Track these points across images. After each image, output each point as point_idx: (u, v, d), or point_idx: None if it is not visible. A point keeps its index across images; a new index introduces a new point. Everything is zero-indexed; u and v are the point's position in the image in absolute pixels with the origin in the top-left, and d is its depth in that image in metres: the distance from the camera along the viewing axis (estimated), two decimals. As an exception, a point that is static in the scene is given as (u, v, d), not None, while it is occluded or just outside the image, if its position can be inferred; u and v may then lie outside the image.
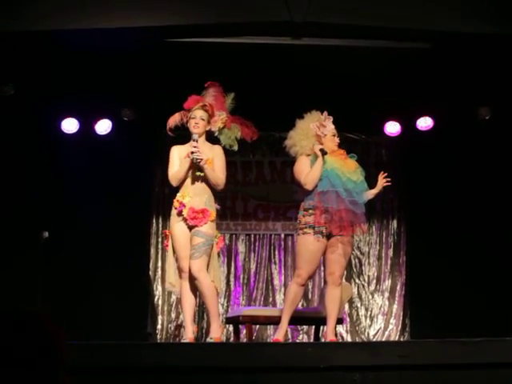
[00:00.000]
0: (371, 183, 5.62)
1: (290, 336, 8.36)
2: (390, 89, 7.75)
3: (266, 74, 7.50)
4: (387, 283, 8.80)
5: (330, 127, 5.55)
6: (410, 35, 6.28)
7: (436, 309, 8.05)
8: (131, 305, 8.08)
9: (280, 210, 8.86)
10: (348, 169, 5.49)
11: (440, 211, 8.32)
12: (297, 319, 6.09)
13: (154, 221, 8.75)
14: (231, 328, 7.52)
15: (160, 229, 8.62)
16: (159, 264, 8.59)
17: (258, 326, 8.19)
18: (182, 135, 5.62)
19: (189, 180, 5.37)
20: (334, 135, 5.56)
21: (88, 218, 8.00)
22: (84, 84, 7.51)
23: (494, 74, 7.30)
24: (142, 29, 5.95)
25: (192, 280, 5.27)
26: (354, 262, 8.75)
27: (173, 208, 5.41)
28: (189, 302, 5.37)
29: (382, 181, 5.64)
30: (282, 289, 8.64)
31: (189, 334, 5.33)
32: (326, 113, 5.58)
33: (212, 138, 5.56)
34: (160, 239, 8.54)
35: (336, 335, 5.94)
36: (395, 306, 8.73)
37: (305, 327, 8.52)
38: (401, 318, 8.68)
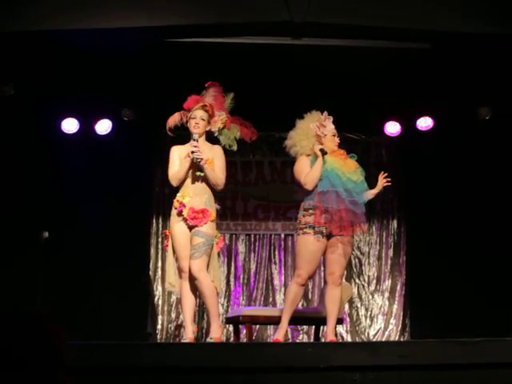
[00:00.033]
0: (371, 183, 5.62)
1: (290, 336, 8.36)
2: (389, 89, 7.75)
3: (265, 74, 7.50)
4: (387, 283, 8.80)
5: (330, 127, 5.55)
6: (410, 35, 6.29)
7: (436, 309, 8.05)
8: (131, 305, 8.08)
9: (280, 210, 8.86)
10: (348, 169, 5.48)
11: (440, 211, 8.32)
12: (297, 319, 6.09)
13: (154, 221, 8.75)
14: (231, 328, 7.52)
15: (160, 229, 8.62)
16: (159, 264, 8.59)
17: (258, 326, 8.19)
18: (182, 135, 5.62)
19: (189, 180, 5.37)
20: (334, 135, 5.56)
21: (88, 218, 8.00)
22: (84, 84, 7.51)
23: (494, 74, 7.30)
24: (142, 29, 5.95)
25: (192, 280, 5.27)
26: (354, 262, 8.75)
27: (173, 208, 5.41)
28: (189, 302, 5.37)
29: (382, 181, 5.64)
30: (282, 289, 8.64)
31: (189, 334, 5.33)
32: (325, 113, 5.58)
33: (211, 138, 5.56)
34: (160, 239, 8.54)
35: (336, 335, 5.94)
36: (395, 306, 8.73)
37: (305, 327, 8.52)
38: (401, 318, 8.68)
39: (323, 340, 5.97)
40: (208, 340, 5.37)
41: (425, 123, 8.49)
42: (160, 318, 8.57)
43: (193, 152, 5.28)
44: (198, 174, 5.35)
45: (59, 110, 8.19)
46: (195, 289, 5.32)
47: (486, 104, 8.13)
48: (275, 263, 8.84)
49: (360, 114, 8.09)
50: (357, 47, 6.76)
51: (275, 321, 5.89)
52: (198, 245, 5.23)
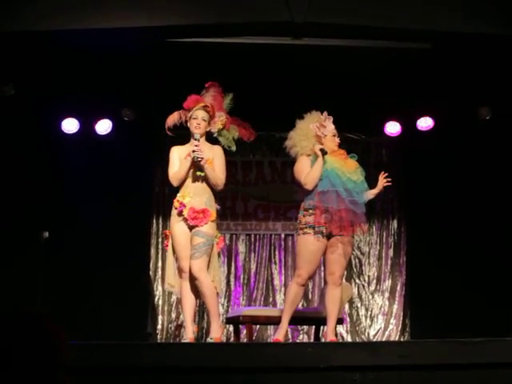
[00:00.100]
0: (371, 183, 5.62)
1: (290, 336, 8.36)
2: (390, 89, 7.75)
3: (266, 74, 7.50)
4: (387, 283, 8.80)
5: (330, 127, 5.55)
6: (410, 35, 6.29)
7: (436, 309, 8.05)
8: (131, 305, 8.08)
9: (280, 210, 8.86)
10: (348, 169, 5.48)
11: (440, 211, 8.32)
12: (297, 319, 6.09)
13: (154, 221, 8.75)
14: (231, 328, 7.52)
15: (160, 229, 8.62)
16: (159, 264, 8.59)
17: (258, 326, 8.19)
18: (181, 135, 5.62)
19: (189, 180, 5.37)
20: (334, 135, 5.56)
21: (88, 218, 8.00)
22: (84, 84, 7.51)
23: (494, 74, 7.30)
24: (142, 29, 5.95)
25: (192, 280, 5.27)
26: (354, 262, 8.75)
27: (173, 208, 5.41)
28: (189, 302, 5.37)
29: (382, 181, 5.63)
30: (283, 289, 8.64)
31: (189, 334, 5.33)
32: (325, 113, 5.57)
33: (211, 139, 5.56)
34: (160, 239, 8.54)
35: (336, 335, 5.94)
36: (395, 306, 8.73)
37: (305, 327, 8.52)
38: (401, 318, 8.68)
39: (323, 340, 5.97)
40: (208, 340, 5.37)
41: (425, 123, 8.48)
42: (160, 318, 8.57)
43: (194, 151, 5.28)
44: (199, 173, 5.35)
45: (59, 110, 8.19)
46: (195, 289, 5.32)
47: (486, 104, 8.13)
48: (275, 263, 8.84)
49: (360, 113, 8.09)
50: (357, 47, 6.76)
51: (275, 321, 5.89)
52: (199, 245, 5.23)
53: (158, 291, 8.60)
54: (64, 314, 5.52)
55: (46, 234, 6.82)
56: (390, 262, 8.84)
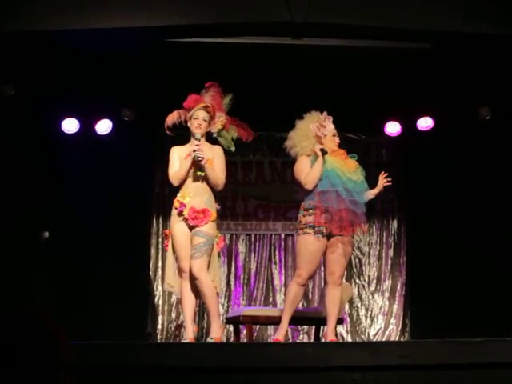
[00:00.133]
0: (371, 183, 5.62)
1: (290, 336, 8.36)
2: (390, 89, 7.75)
3: (266, 74, 7.50)
4: (387, 283, 8.80)
5: (330, 127, 5.55)
6: (410, 35, 6.29)
7: (436, 309, 8.05)
8: (131, 305, 8.08)
9: (280, 210, 8.86)
10: (348, 168, 5.48)
11: (440, 211, 8.32)
12: (297, 319, 6.09)
13: (154, 221, 8.75)
14: (231, 328, 7.52)
15: (160, 229, 8.62)
16: (159, 264, 8.59)
17: (258, 326, 8.19)
18: (181, 135, 5.62)
19: (189, 180, 5.37)
20: (334, 135, 5.56)
21: (88, 218, 8.00)
22: (84, 84, 7.51)
23: (494, 74, 7.30)
24: (142, 29, 5.95)
25: (192, 280, 5.27)
26: (354, 262, 8.75)
27: (173, 208, 5.41)
28: (189, 302, 5.37)
29: (382, 181, 5.63)
30: (283, 289, 8.63)
31: (189, 334, 5.33)
32: (325, 113, 5.57)
33: (211, 139, 5.56)
34: (160, 239, 8.54)
35: (336, 335, 5.94)
36: (395, 306, 8.73)
37: (305, 327, 8.52)
38: (401, 318, 8.68)
39: (323, 340, 5.97)
40: (208, 340, 5.37)
41: (425, 123, 8.49)
42: (160, 318, 8.57)
43: (194, 151, 5.28)
44: (199, 173, 5.34)
45: (59, 110, 8.19)
46: (195, 289, 5.32)
47: (486, 104, 8.13)
48: (275, 263, 8.84)
49: (360, 113, 8.09)
50: (357, 47, 6.76)
51: (275, 321, 5.89)
52: (199, 245, 5.23)
53: (158, 291, 8.60)
54: (64, 314, 5.50)
55: (46, 234, 6.82)
56: (390, 261, 8.84)
